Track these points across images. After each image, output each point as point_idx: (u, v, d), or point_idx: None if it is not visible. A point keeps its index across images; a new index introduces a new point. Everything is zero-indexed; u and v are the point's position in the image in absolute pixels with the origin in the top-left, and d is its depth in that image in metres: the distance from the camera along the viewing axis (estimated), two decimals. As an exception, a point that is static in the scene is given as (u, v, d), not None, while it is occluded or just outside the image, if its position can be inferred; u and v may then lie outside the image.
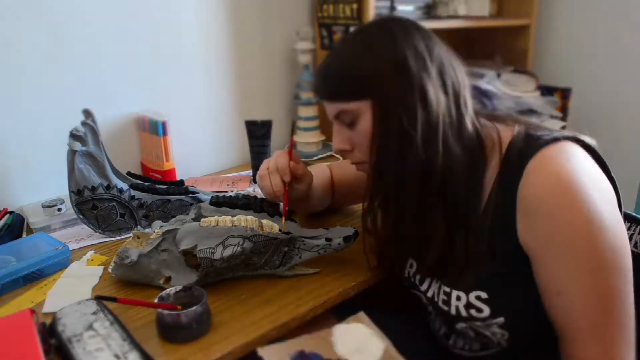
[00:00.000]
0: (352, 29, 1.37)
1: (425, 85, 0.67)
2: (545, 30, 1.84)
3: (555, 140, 0.65)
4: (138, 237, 0.86)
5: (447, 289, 0.73)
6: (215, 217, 0.81)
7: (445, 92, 0.69)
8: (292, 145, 0.90)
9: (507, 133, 0.71)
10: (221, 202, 0.89)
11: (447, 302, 0.73)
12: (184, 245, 0.78)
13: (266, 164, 0.88)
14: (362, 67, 0.69)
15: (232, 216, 0.82)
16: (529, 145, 0.66)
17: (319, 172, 1.00)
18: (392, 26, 0.70)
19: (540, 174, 0.63)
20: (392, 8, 1.46)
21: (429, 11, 1.60)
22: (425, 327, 0.85)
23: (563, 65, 1.83)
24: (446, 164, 0.68)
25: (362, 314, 0.78)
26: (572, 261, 0.61)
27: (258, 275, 0.85)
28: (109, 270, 0.84)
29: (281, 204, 0.89)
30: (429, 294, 0.77)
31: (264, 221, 0.82)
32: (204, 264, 0.78)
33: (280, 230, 0.83)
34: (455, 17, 1.61)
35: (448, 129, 0.68)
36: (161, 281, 0.81)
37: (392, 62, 0.67)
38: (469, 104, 0.72)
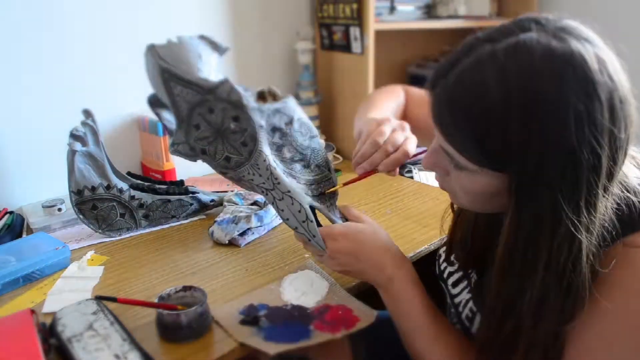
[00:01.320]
0: (352, 29, 1.37)
1: (594, 180, 0.52)
2: (545, 30, 1.84)
3: None
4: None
5: (475, 309, 0.70)
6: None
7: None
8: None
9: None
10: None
11: (471, 320, 0.70)
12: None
13: (381, 136, 0.75)
14: (507, 135, 0.51)
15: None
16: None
17: (392, 102, 0.88)
18: (566, 75, 0.50)
19: None
20: (392, 8, 1.46)
21: (429, 11, 1.60)
22: None
23: (563, 65, 1.82)
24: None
25: (308, 261, 0.84)
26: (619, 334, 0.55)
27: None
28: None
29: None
30: (456, 300, 0.74)
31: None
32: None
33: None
34: (455, 17, 1.61)
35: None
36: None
37: (559, 144, 0.50)
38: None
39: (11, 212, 1.07)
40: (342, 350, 0.83)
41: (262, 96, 0.78)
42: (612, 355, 0.56)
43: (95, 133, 0.97)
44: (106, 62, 1.20)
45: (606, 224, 0.55)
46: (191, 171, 1.38)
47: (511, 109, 0.50)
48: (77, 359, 0.63)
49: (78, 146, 0.95)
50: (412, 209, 1.12)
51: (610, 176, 0.53)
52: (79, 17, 1.14)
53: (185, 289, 0.74)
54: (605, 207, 0.54)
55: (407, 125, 0.79)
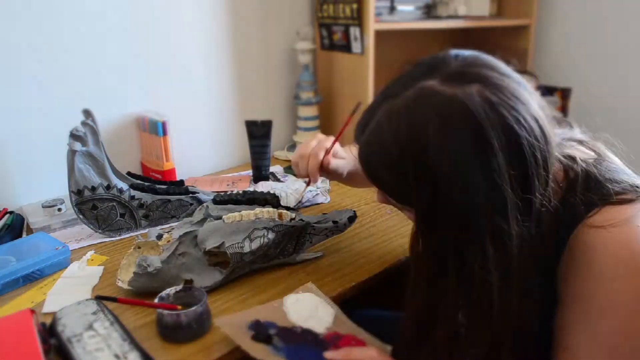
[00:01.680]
0: (352, 29, 1.37)
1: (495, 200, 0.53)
2: (545, 30, 1.84)
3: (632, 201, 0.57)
4: (139, 247, 0.86)
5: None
6: (239, 212, 0.82)
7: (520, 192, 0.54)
8: (336, 140, 0.88)
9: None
10: (226, 200, 0.89)
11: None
12: (210, 245, 0.79)
13: (306, 148, 0.86)
14: (408, 173, 0.55)
15: (239, 212, 0.83)
16: (594, 193, 0.58)
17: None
18: (451, 114, 0.52)
19: (610, 242, 0.55)
20: (392, 8, 1.46)
21: (429, 11, 1.60)
22: None
23: (563, 65, 1.83)
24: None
25: (310, 284, 0.83)
26: (612, 326, 0.56)
27: (271, 265, 0.87)
28: (128, 285, 0.79)
29: (289, 193, 0.93)
30: None
31: (282, 211, 0.85)
32: (234, 260, 0.79)
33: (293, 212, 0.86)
34: (455, 17, 1.61)
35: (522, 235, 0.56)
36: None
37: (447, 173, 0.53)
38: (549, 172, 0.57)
39: (11, 212, 1.07)
40: None
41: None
42: (604, 343, 0.57)
43: (95, 133, 0.97)
44: (106, 62, 1.20)
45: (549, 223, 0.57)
46: (191, 171, 1.39)
47: (405, 162, 0.55)
48: (77, 359, 0.63)
49: (78, 146, 0.95)
50: (412, 209, 1.12)
51: (523, 207, 0.54)
52: (79, 17, 1.14)
53: (185, 289, 0.74)
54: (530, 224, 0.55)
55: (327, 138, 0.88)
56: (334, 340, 0.71)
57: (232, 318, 0.73)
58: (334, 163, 0.86)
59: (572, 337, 0.59)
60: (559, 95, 1.75)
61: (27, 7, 1.07)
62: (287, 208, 0.88)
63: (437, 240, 0.58)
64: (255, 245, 0.80)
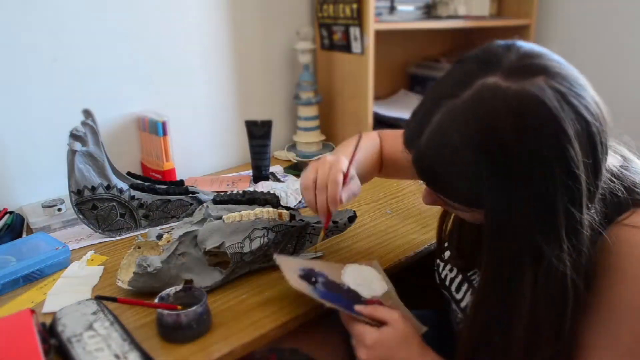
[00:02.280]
0: (352, 29, 1.37)
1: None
2: (545, 30, 1.84)
3: None
4: (139, 247, 0.86)
5: None
6: (239, 212, 0.82)
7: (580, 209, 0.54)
8: (348, 172, 0.77)
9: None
10: (226, 200, 0.89)
11: None
12: (210, 245, 0.79)
13: (314, 173, 0.76)
14: (483, 174, 0.54)
15: (240, 212, 0.83)
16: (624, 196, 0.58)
17: (369, 145, 0.91)
18: (527, 115, 0.51)
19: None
20: (392, 8, 1.46)
21: (429, 11, 1.60)
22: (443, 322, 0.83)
23: (563, 65, 1.83)
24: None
25: (375, 262, 0.86)
26: (633, 329, 0.56)
27: (271, 265, 0.86)
28: (127, 285, 0.79)
29: (289, 193, 0.92)
30: (462, 304, 0.74)
31: (282, 211, 0.85)
32: (234, 260, 0.79)
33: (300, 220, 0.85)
34: (455, 17, 1.60)
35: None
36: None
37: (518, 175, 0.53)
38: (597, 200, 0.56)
39: (11, 212, 1.07)
40: (335, 343, 0.83)
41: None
42: (621, 344, 0.56)
43: (95, 133, 0.97)
44: (106, 62, 1.20)
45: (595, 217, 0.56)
46: (191, 171, 1.39)
47: (479, 162, 0.53)
48: (77, 359, 0.63)
49: (78, 146, 0.95)
50: (412, 209, 1.12)
51: (591, 196, 0.54)
52: (78, 17, 1.14)
53: (185, 289, 0.74)
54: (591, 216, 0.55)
55: (338, 161, 0.77)
56: (374, 304, 0.74)
57: (290, 259, 0.79)
58: (346, 197, 0.76)
59: (591, 338, 0.58)
60: (559, 95, 1.74)
61: (27, 7, 1.07)
62: (287, 208, 0.88)
63: (512, 239, 0.56)
64: (255, 245, 0.80)
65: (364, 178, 0.88)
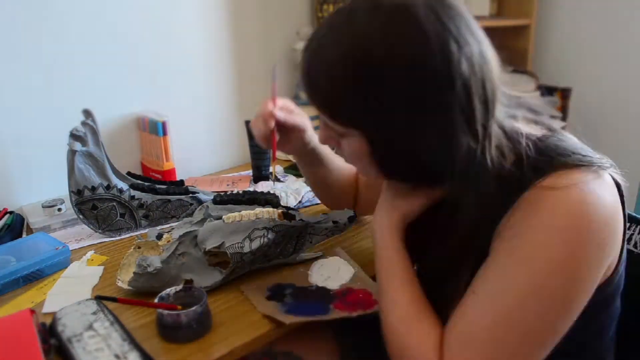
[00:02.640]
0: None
1: (447, 127, 0.56)
2: (545, 30, 1.84)
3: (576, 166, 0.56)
4: (139, 247, 0.86)
5: None
6: (239, 212, 0.83)
7: (472, 132, 0.57)
8: (274, 91, 0.86)
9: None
10: (226, 200, 0.89)
11: None
12: (210, 245, 0.79)
13: (259, 109, 0.85)
14: (350, 84, 0.56)
15: (239, 212, 0.84)
16: (543, 162, 0.58)
17: (343, 163, 0.93)
18: (401, 22, 0.53)
19: (553, 201, 0.55)
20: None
21: (429, 11, 1.60)
22: None
23: (563, 65, 1.83)
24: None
25: (339, 249, 0.91)
26: (528, 277, 0.55)
27: (271, 265, 0.87)
28: (127, 284, 0.79)
29: (289, 193, 0.93)
30: None
31: (282, 211, 0.85)
32: (234, 260, 0.79)
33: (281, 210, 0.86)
34: (455, 17, 1.60)
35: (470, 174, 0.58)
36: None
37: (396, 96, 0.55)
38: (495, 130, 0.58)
39: (11, 212, 1.07)
40: (329, 347, 0.83)
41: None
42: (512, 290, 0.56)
43: (95, 133, 0.97)
44: (106, 62, 1.20)
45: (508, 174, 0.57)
46: (191, 171, 1.39)
47: (353, 75, 0.55)
48: (77, 359, 0.63)
49: (78, 146, 0.95)
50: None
51: (469, 117, 0.56)
52: (78, 17, 1.14)
53: (185, 289, 0.74)
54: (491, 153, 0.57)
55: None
56: (344, 294, 0.78)
57: (256, 283, 0.82)
58: (290, 118, 0.84)
59: (485, 282, 0.58)
60: (559, 95, 1.75)
61: (27, 7, 1.07)
62: (288, 208, 0.88)
63: (398, 157, 0.61)
64: (255, 245, 0.80)
65: (338, 185, 0.96)
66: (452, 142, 0.57)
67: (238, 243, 0.79)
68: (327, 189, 0.97)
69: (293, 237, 0.86)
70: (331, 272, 0.84)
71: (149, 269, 0.77)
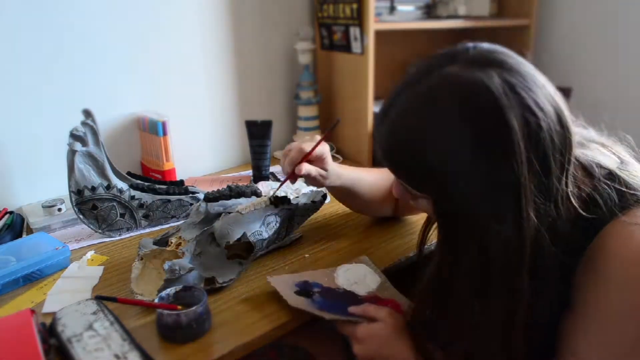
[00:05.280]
0: (352, 29, 1.37)
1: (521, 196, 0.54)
2: (545, 30, 1.84)
3: None
4: (142, 259, 0.83)
5: None
6: (251, 202, 0.86)
7: (546, 198, 0.56)
8: (316, 146, 0.84)
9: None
10: (217, 197, 0.91)
11: None
12: (233, 238, 0.81)
13: (289, 145, 0.87)
14: (427, 158, 0.57)
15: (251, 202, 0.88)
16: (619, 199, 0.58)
17: (378, 178, 0.96)
18: (479, 101, 0.53)
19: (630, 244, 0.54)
20: (392, 8, 1.46)
21: (429, 11, 1.60)
22: None
23: (563, 65, 1.83)
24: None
25: (364, 257, 0.90)
26: (625, 334, 0.56)
27: (281, 246, 0.92)
28: (157, 292, 0.75)
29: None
30: None
31: (276, 197, 0.90)
32: (257, 247, 0.83)
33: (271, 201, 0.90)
34: (455, 17, 1.60)
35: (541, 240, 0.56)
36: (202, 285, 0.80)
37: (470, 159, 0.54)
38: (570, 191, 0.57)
39: (11, 212, 1.07)
40: (334, 340, 0.84)
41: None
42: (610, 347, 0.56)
43: (95, 133, 0.97)
44: (106, 62, 1.20)
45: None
46: (191, 171, 1.39)
47: (427, 147, 0.56)
48: (77, 359, 0.63)
49: (78, 146, 0.95)
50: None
51: (544, 189, 0.55)
52: (79, 17, 1.14)
53: (186, 289, 0.74)
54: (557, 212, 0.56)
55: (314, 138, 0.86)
56: (372, 301, 0.78)
57: (283, 277, 0.82)
58: (306, 169, 0.83)
59: (582, 343, 0.58)
60: (559, 95, 1.74)
61: (27, 7, 1.07)
62: (276, 197, 0.91)
63: (456, 223, 0.59)
64: (270, 230, 0.86)
65: (375, 208, 0.99)
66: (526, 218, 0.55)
67: (257, 231, 0.84)
68: (366, 209, 1.02)
69: (286, 220, 0.91)
70: (358, 278, 0.84)
71: (182, 272, 0.76)
